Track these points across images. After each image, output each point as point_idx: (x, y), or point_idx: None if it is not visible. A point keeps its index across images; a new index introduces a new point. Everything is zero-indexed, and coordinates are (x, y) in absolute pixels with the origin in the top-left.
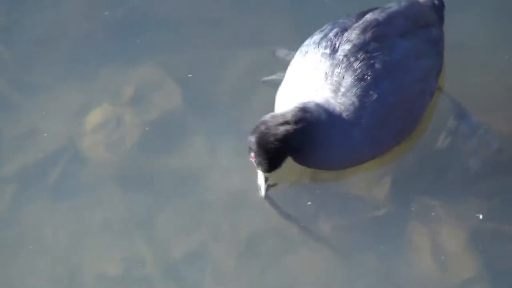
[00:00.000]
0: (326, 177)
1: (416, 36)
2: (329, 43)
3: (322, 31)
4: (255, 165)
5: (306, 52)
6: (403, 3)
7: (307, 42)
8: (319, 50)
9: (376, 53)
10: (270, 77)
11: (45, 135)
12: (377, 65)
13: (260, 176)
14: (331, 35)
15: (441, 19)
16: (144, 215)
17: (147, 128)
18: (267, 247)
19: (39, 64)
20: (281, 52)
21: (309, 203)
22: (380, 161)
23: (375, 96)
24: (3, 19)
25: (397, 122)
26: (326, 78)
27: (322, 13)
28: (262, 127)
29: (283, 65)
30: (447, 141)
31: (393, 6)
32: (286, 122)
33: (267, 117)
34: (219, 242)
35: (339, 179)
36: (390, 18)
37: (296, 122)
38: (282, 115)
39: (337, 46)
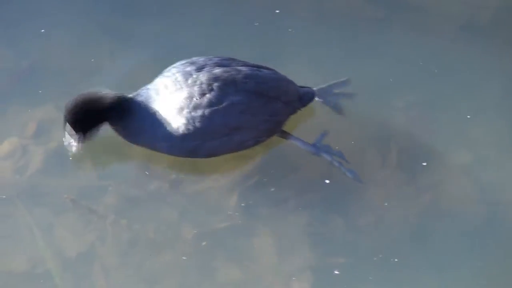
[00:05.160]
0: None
1: (258, 97)
2: (202, 63)
3: (211, 58)
4: (70, 124)
5: (185, 62)
6: (273, 75)
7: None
8: (185, 65)
9: (215, 90)
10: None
11: None
12: (206, 97)
13: (71, 136)
14: (211, 62)
15: (302, 105)
16: (45, 223)
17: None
18: (140, 249)
19: None
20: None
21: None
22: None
23: (189, 115)
24: None
25: (193, 143)
26: (174, 84)
27: None
28: (85, 93)
29: None
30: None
31: (265, 72)
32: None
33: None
34: (104, 244)
35: (198, 190)
36: (251, 77)
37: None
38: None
39: (203, 69)
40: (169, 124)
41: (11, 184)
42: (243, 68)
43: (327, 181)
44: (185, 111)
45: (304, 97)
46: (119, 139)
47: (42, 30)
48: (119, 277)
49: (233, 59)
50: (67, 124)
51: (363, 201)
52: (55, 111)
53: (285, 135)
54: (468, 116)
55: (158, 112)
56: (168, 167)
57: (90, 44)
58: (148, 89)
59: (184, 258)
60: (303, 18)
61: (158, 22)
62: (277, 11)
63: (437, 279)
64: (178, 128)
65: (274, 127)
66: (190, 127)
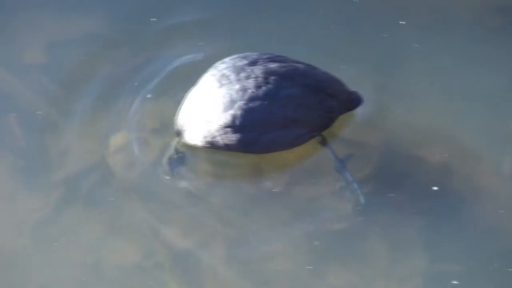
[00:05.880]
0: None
1: (315, 93)
2: (255, 57)
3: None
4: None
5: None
6: (328, 74)
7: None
8: (236, 59)
9: (272, 83)
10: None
11: (81, 153)
12: (262, 90)
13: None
14: (264, 57)
15: (353, 106)
16: (156, 218)
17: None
18: (250, 247)
19: (78, 97)
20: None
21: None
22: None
23: (246, 107)
24: (44, 60)
25: (250, 135)
26: (220, 80)
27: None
28: None
29: None
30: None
31: (320, 70)
32: None
33: None
34: (213, 241)
35: (313, 192)
36: (308, 73)
37: None
38: None
39: (257, 63)
40: (223, 118)
41: (123, 177)
42: (299, 65)
43: (435, 188)
44: (240, 103)
45: (354, 100)
46: None
47: (154, 19)
48: (227, 273)
49: (286, 57)
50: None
51: (476, 208)
52: (170, 106)
53: (323, 141)
54: None
55: (209, 108)
56: (283, 168)
57: (207, 38)
58: (194, 88)
59: (294, 257)
60: (426, 28)
61: (272, 20)
62: (402, 22)
63: None
64: (234, 121)
65: (327, 124)
66: (248, 118)
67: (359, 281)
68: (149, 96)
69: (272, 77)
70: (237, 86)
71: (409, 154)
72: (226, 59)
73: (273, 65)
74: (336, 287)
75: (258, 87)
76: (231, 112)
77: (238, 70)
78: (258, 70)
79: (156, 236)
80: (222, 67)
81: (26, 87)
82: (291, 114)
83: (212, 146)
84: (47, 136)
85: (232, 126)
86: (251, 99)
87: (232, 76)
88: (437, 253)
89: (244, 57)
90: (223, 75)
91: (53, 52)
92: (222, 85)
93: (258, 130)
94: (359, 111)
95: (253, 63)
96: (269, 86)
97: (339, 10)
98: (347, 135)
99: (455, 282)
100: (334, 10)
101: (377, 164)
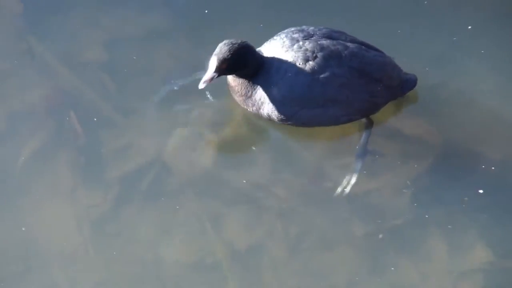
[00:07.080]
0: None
1: (360, 75)
2: (308, 33)
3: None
4: (214, 64)
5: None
6: (380, 57)
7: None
8: (294, 31)
9: (319, 59)
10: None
11: (139, 149)
12: (309, 64)
13: (210, 72)
14: (320, 32)
15: (403, 92)
16: (215, 215)
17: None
18: (310, 244)
19: (137, 94)
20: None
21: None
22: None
23: (291, 80)
24: (103, 58)
25: (290, 109)
26: (282, 46)
27: None
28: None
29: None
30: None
31: (373, 53)
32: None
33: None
34: (273, 238)
35: (369, 188)
36: (357, 55)
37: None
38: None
39: (311, 37)
40: (276, 86)
41: (182, 174)
42: (351, 45)
43: (497, 184)
44: (288, 75)
45: (405, 84)
46: (293, 135)
47: (206, 11)
48: (287, 271)
49: (343, 33)
50: (216, 60)
51: None
52: (228, 102)
53: (368, 124)
54: None
55: (272, 73)
56: (342, 164)
57: (265, 33)
58: (260, 51)
59: (355, 252)
60: (494, 36)
61: (338, 18)
62: (469, 27)
63: None
64: (277, 93)
65: (370, 108)
66: (288, 91)
67: (418, 276)
68: (175, 88)
69: (320, 53)
70: (290, 57)
71: (468, 150)
72: (286, 30)
73: (324, 42)
74: (396, 281)
75: (305, 60)
76: (275, 83)
77: (293, 42)
78: (309, 44)
79: (215, 233)
80: (282, 36)
81: (86, 84)
82: (331, 94)
83: (257, 114)
84: (106, 133)
85: (274, 97)
86: (297, 73)
87: (288, 46)
88: (500, 250)
89: (300, 30)
90: (283, 43)
91: (112, 49)
92: (284, 51)
93: (298, 105)
94: (420, 107)
95: (307, 37)
96: (316, 61)
97: (409, 9)
98: (405, 130)
99: None
100: (404, 10)
101: (436, 159)
